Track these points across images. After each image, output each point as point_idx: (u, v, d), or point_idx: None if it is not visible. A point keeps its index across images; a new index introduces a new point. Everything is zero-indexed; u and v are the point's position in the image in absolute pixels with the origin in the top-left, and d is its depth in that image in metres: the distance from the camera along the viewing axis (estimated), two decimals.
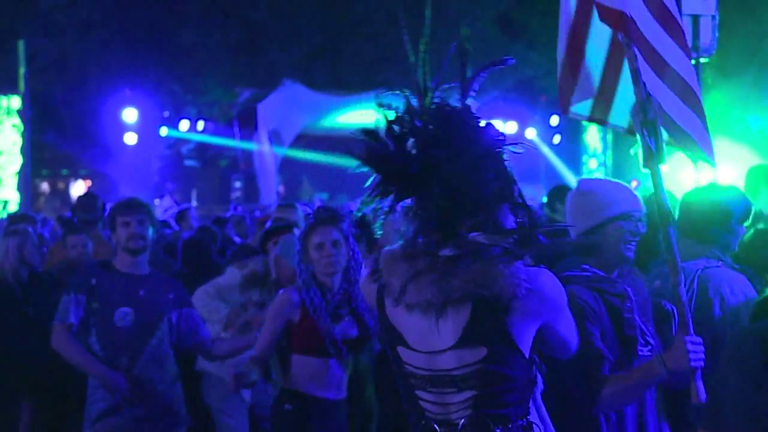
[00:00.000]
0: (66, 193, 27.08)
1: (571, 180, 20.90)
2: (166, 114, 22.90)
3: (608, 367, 3.36)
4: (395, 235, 2.67)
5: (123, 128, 20.67)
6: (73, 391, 5.57)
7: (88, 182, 26.65)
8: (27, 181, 16.54)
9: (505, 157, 2.60)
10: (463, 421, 2.57)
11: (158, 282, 5.07)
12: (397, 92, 2.58)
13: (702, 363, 3.25)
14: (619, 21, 3.46)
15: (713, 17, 6.11)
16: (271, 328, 4.58)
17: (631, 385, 3.35)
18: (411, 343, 2.62)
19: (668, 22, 3.68)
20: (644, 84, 3.47)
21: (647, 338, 3.50)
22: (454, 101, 2.60)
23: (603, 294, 3.45)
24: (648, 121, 3.41)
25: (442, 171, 2.51)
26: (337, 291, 4.62)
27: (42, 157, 23.59)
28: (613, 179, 3.80)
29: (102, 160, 22.46)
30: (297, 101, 20.09)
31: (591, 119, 3.99)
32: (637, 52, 3.49)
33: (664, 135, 3.59)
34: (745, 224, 4.37)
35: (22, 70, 16.02)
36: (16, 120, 16.14)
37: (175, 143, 24.64)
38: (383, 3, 20.43)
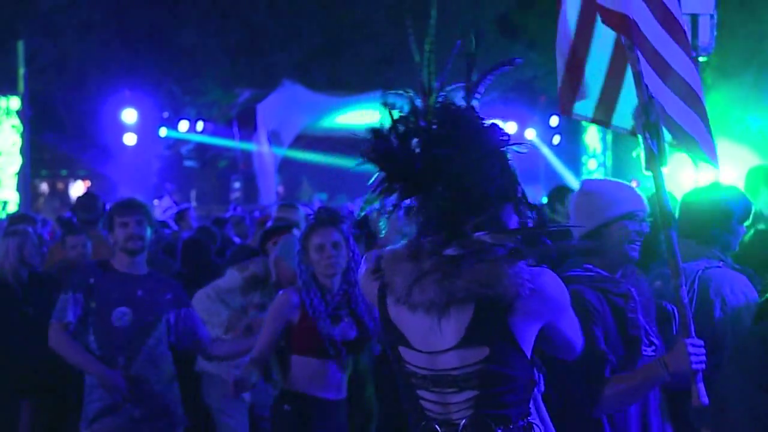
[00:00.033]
0: (65, 193, 27.08)
1: (571, 180, 20.91)
2: (166, 115, 22.90)
3: (610, 369, 3.36)
4: (396, 234, 2.67)
5: (122, 129, 20.67)
6: (73, 391, 5.56)
7: (88, 183, 26.65)
8: (26, 181, 16.54)
9: (509, 156, 2.60)
10: (464, 421, 2.57)
11: (156, 282, 5.07)
12: (402, 92, 2.58)
13: (703, 365, 3.25)
14: (621, 24, 3.46)
15: (711, 16, 6.11)
16: (270, 328, 4.57)
17: (633, 387, 3.34)
18: (413, 343, 2.61)
19: (671, 24, 3.68)
20: (646, 86, 3.47)
21: (651, 338, 3.49)
22: (459, 101, 2.60)
23: (607, 294, 3.45)
24: (650, 124, 3.41)
25: (446, 169, 2.51)
26: (337, 292, 4.61)
27: (41, 158, 23.59)
28: (615, 179, 3.79)
29: (101, 160, 22.46)
30: (296, 102, 20.09)
31: (594, 120, 3.98)
32: (639, 55, 3.49)
33: (667, 137, 3.59)
34: (746, 224, 4.37)
35: (21, 71, 16.02)
36: (16, 120, 16.13)
37: (174, 144, 24.64)
38: (382, 4, 20.45)
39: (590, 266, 3.51)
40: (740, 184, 6.20)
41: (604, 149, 22.66)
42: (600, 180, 3.85)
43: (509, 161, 2.60)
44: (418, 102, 2.58)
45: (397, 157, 2.53)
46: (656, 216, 3.48)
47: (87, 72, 20.64)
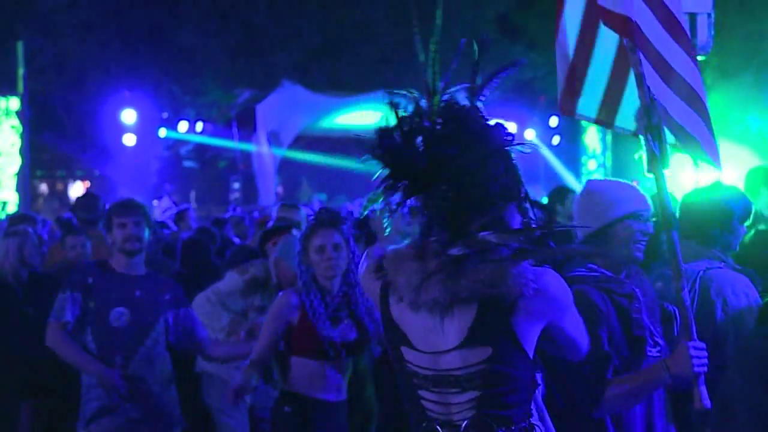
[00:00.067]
0: (64, 194, 27.06)
1: (571, 181, 20.91)
2: (165, 115, 22.88)
3: (612, 370, 3.35)
4: (396, 234, 2.66)
5: (122, 129, 20.65)
6: (73, 392, 5.55)
7: (87, 183, 26.64)
8: (26, 182, 16.52)
9: (513, 156, 2.60)
10: (465, 422, 2.56)
11: (155, 283, 5.07)
12: (406, 92, 2.58)
13: (705, 368, 3.25)
14: (623, 26, 3.46)
15: (709, 15, 6.10)
16: (270, 330, 4.57)
17: (634, 389, 3.34)
18: (415, 343, 2.61)
19: (673, 25, 3.68)
20: (648, 88, 3.47)
21: (656, 339, 3.49)
22: (462, 101, 2.60)
23: (611, 294, 3.44)
24: (652, 126, 3.41)
25: (449, 168, 2.50)
26: (337, 294, 4.61)
27: (41, 158, 23.59)
28: (619, 179, 3.79)
29: (101, 161, 22.44)
30: (296, 102, 20.08)
31: (597, 121, 3.98)
32: (641, 57, 3.49)
33: (670, 138, 3.59)
34: (746, 224, 4.37)
35: (21, 71, 16.00)
36: (15, 121, 16.11)
37: (173, 144, 24.63)
38: (382, 4, 20.44)
39: (594, 266, 3.51)
40: (740, 185, 6.20)
41: (604, 150, 22.65)
42: (604, 180, 3.84)
43: (513, 161, 2.60)
44: (423, 102, 2.57)
45: (401, 155, 2.52)
46: (658, 217, 3.48)
47: (86, 72, 20.62)
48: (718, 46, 6.80)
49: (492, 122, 2.59)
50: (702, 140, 3.73)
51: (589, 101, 3.89)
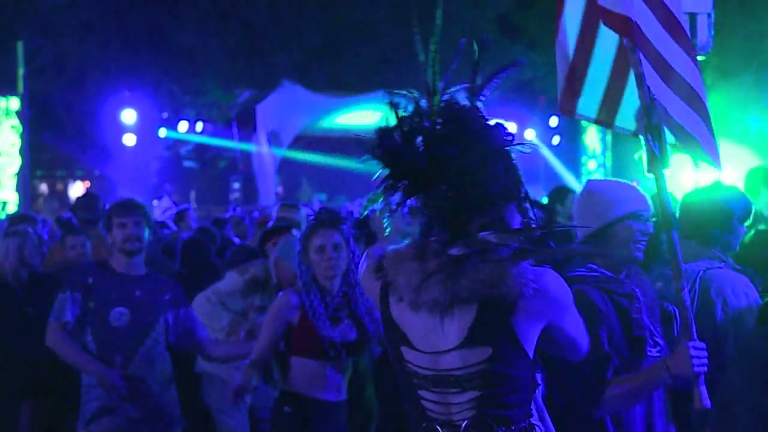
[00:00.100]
0: (64, 194, 27.05)
1: (571, 181, 20.90)
2: (165, 115, 22.88)
3: (612, 370, 3.35)
4: (396, 234, 2.66)
5: (122, 129, 20.65)
6: (73, 392, 5.56)
7: (87, 183, 26.63)
8: (25, 182, 16.51)
9: (513, 156, 2.60)
10: (466, 422, 2.56)
11: (154, 283, 5.07)
12: (406, 93, 2.58)
13: (705, 368, 3.25)
14: (623, 26, 3.46)
15: (709, 15, 6.11)
16: (270, 329, 4.57)
17: (634, 389, 3.34)
18: (415, 343, 2.61)
19: (673, 26, 3.68)
20: (648, 88, 3.47)
21: (656, 339, 3.49)
22: (463, 101, 2.60)
23: (611, 294, 3.44)
24: (652, 126, 3.41)
25: (449, 168, 2.50)
26: (337, 294, 4.61)
27: (41, 158, 23.58)
28: (619, 179, 3.79)
29: (101, 161, 22.44)
30: (296, 102, 20.08)
31: (597, 121, 3.98)
32: (641, 57, 3.49)
33: (670, 138, 3.59)
34: (746, 224, 4.37)
35: (21, 71, 16.00)
36: (15, 121, 16.11)
37: (173, 144, 24.63)
38: (382, 4, 20.44)
39: (594, 266, 3.51)
40: (740, 185, 6.20)
41: (604, 150, 22.65)
42: (604, 180, 3.84)
43: (513, 161, 2.60)
44: (423, 102, 2.57)
45: (401, 155, 2.52)
46: (658, 217, 3.48)
47: (86, 72, 20.62)
48: (718, 46, 6.80)
49: (492, 122, 2.59)
50: (702, 140, 3.73)
51: (589, 101, 3.89)
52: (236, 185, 27.23)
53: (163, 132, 22.71)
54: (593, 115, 3.92)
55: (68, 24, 19.84)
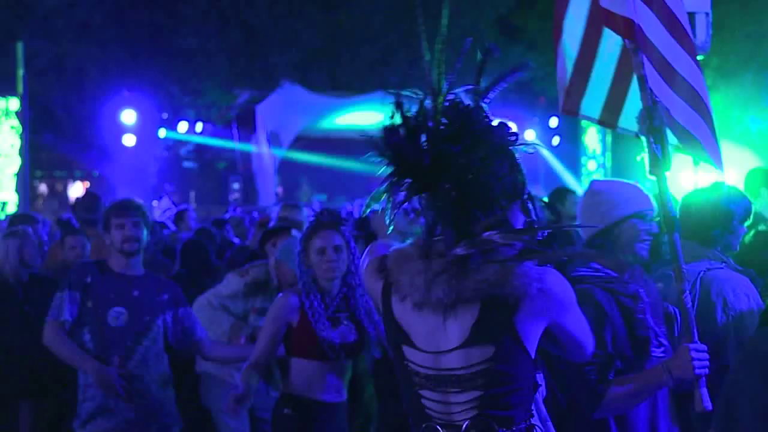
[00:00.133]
0: (64, 194, 27.04)
1: (570, 182, 20.89)
2: (165, 116, 22.87)
3: (614, 372, 3.35)
4: (397, 234, 2.66)
5: (121, 130, 20.63)
6: (73, 392, 5.55)
7: (86, 184, 26.61)
8: (25, 182, 16.50)
9: (517, 155, 2.60)
10: (466, 423, 2.56)
11: (153, 283, 5.06)
12: (411, 93, 2.58)
13: (707, 371, 3.25)
14: (625, 28, 3.46)
15: (707, 14, 6.12)
16: (270, 331, 4.55)
17: (635, 391, 3.33)
18: (417, 342, 2.60)
19: (676, 28, 3.68)
20: (651, 90, 3.47)
21: (660, 339, 3.48)
22: (466, 102, 2.60)
23: (615, 295, 3.44)
24: (654, 128, 3.42)
25: (453, 166, 2.50)
26: (336, 295, 4.59)
27: (40, 159, 23.55)
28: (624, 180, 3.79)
29: (100, 161, 22.44)
30: (295, 103, 20.07)
31: (600, 122, 3.98)
32: (644, 59, 3.49)
33: (672, 139, 3.59)
34: (746, 224, 4.36)
35: (20, 72, 15.97)
36: (15, 122, 16.10)
37: (173, 145, 24.63)
38: (381, 5, 20.44)
39: (598, 266, 3.50)
40: (740, 186, 6.20)
41: (604, 150, 22.64)
42: (608, 180, 3.84)
43: (517, 160, 2.60)
44: (428, 102, 2.57)
45: (405, 152, 2.52)
46: (659, 219, 3.48)
47: (86, 73, 20.63)
48: (719, 47, 6.80)
49: (496, 122, 2.59)
50: (704, 142, 3.73)
51: (593, 102, 3.89)
52: (236, 186, 27.20)
53: (162, 132, 22.70)
54: (596, 115, 3.92)
55: (68, 25, 19.85)
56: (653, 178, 3.46)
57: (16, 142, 16.13)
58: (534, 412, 2.68)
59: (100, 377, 4.77)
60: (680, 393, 3.52)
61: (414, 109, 2.55)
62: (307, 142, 22.20)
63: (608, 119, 3.91)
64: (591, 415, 3.35)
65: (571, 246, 4.21)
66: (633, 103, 3.72)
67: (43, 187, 27.92)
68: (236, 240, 10.04)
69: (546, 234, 2.59)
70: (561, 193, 8.19)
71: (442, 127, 2.54)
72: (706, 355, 3.27)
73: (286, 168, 23.27)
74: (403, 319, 2.62)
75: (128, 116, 20.52)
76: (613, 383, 3.33)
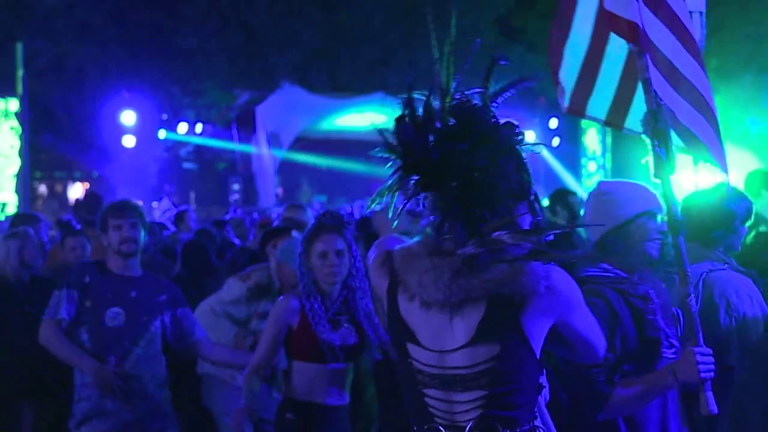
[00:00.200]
0: (64, 195, 27.03)
1: (571, 182, 20.90)
2: (165, 117, 22.87)
3: (620, 374, 3.34)
4: (400, 234, 2.66)
5: (121, 131, 20.64)
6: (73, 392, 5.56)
7: (86, 184, 26.60)
8: (25, 183, 16.50)
9: (523, 154, 2.60)
10: (470, 424, 2.55)
11: (151, 283, 5.06)
12: (419, 94, 2.58)
13: (712, 374, 3.25)
14: (630, 31, 3.47)
15: (701, 14, 6.14)
16: (271, 333, 4.54)
17: (640, 393, 3.33)
18: (422, 341, 2.60)
19: (680, 31, 3.68)
20: (655, 93, 3.48)
21: (671, 340, 3.48)
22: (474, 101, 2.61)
23: (625, 295, 3.43)
24: (659, 131, 3.42)
25: (460, 163, 2.50)
26: (337, 298, 4.58)
27: (40, 160, 23.55)
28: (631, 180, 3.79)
29: (100, 162, 22.43)
30: (295, 104, 20.08)
31: (606, 123, 3.99)
32: (649, 62, 3.49)
33: (677, 141, 3.59)
34: (747, 225, 4.37)
35: (20, 73, 15.97)
36: (14, 122, 16.10)
37: (173, 146, 24.62)
38: (381, 6, 20.44)
39: (608, 266, 3.50)
40: (740, 187, 6.20)
41: (604, 151, 22.64)
42: (616, 181, 3.84)
43: (524, 160, 2.60)
44: (435, 102, 2.57)
45: (414, 147, 2.52)
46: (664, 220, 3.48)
47: (86, 74, 20.62)
48: (719, 48, 6.81)
49: (503, 120, 2.59)
50: (709, 144, 3.73)
51: (600, 103, 3.90)
52: (236, 187, 27.19)
53: (162, 133, 22.70)
54: (603, 116, 3.93)
55: (67, 25, 19.84)
56: (658, 181, 3.46)
57: (16, 143, 16.13)
58: (537, 414, 2.67)
59: (97, 376, 4.76)
60: (690, 394, 3.51)
61: (421, 109, 2.56)
62: (307, 142, 22.21)
63: (615, 120, 3.92)
64: (595, 417, 3.34)
65: (574, 248, 4.21)
66: (639, 104, 3.72)
67: (42, 188, 27.91)
68: (237, 241, 10.03)
69: (553, 236, 2.58)
70: (561, 194, 8.20)
71: (451, 123, 2.54)
72: (712, 359, 3.26)
73: (286, 169, 23.29)
74: (409, 317, 2.61)
75: (128, 117, 20.53)
76: (619, 385, 3.32)
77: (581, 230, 5.08)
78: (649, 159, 3.47)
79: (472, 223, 2.52)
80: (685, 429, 3.58)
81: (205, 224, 10.87)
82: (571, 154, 23.49)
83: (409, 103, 2.56)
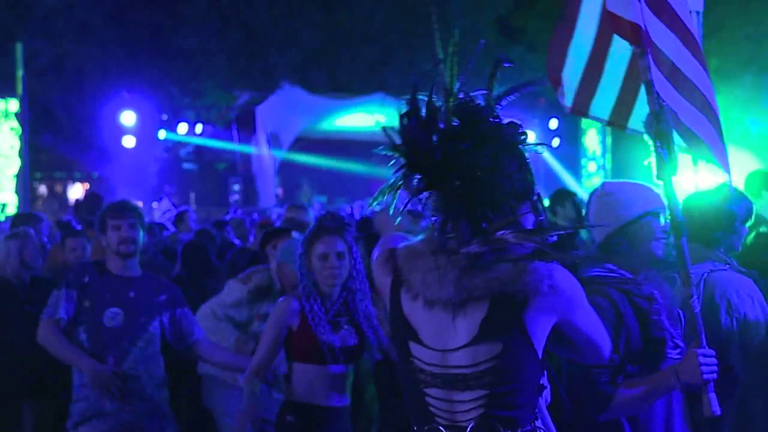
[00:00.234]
0: (63, 195, 27.03)
1: (571, 183, 20.89)
2: (165, 117, 22.87)
3: (624, 374, 3.34)
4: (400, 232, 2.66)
5: (121, 131, 20.64)
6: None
7: (86, 185, 26.60)
8: (25, 183, 16.50)
9: (526, 154, 2.60)
10: (471, 424, 2.55)
11: (150, 284, 5.06)
12: (423, 96, 2.58)
13: (715, 376, 3.25)
14: (632, 32, 3.47)
15: (698, 13, 6.15)
16: (271, 334, 4.53)
17: (643, 394, 3.32)
18: (424, 339, 2.60)
19: (683, 32, 3.68)
20: (658, 94, 3.48)
21: (676, 341, 3.47)
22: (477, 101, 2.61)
23: (629, 296, 3.43)
24: (661, 132, 3.42)
25: (462, 162, 2.51)
26: (337, 299, 4.57)
27: (40, 160, 23.54)
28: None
29: (100, 162, 22.44)
30: (295, 104, 20.09)
31: (610, 123, 3.99)
32: (652, 63, 3.49)
33: (680, 142, 3.59)
34: (747, 225, 4.36)
35: (20, 73, 15.97)
36: (14, 123, 16.09)
37: (173, 146, 24.62)
38: (381, 6, 20.44)
39: (612, 266, 3.49)
40: (740, 188, 6.20)
41: (604, 152, 22.63)
42: (620, 181, 3.84)
43: (527, 159, 2.61)
44: (439, 102, 2.57)
45: (417, 145, 2.52)
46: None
47: (86, 74, 20.63)
48: (718, 48, 6.81)
49: (506, 120, 2.60)
50: (712, 144, 3.73)
51: (603, 103, 3.90)
52: (236, 187, 27.18)
53: (162, 134, 22.70)
54: (606, 116, 3.93)
55: (67, 25, 19.85)
56: (660, 182, 3.46)
57: (16, 144, 16.13)
58: (538, 415, 2.67)
59: (95, 376, 4.75)
60: (694, 394, 3.51)
61: (424, 109, 2.56)
62: (307, 143, 22.21)
63: (618, 120, 3.92)
64: (597, 418, 3.34)
65: (575, 249, 4.21)
66: (643, 104, 3.72)
67: (42, 189, 27.89)
68: (237, 241, 10.02)
69: (557, 236, 2.58)
70: (561, 194, 8.20)
71: (454, 123, 2.54)
72: (715, 360, 3.26)
73: (286, 169, 23.30)
74: (411, 316, 2.62)
75: (128, 117, 20.54)
76: (622, 385, 3.32)
77: (582, 231, 5.08)
78: (652, 160, 3.47)
79: (475, 222, 2.52)
80: (689, 429, 3.58)
81: (205, 225, 10.87)
82: (571, 154, 23.49)
83: (412, 103, 2.56)
